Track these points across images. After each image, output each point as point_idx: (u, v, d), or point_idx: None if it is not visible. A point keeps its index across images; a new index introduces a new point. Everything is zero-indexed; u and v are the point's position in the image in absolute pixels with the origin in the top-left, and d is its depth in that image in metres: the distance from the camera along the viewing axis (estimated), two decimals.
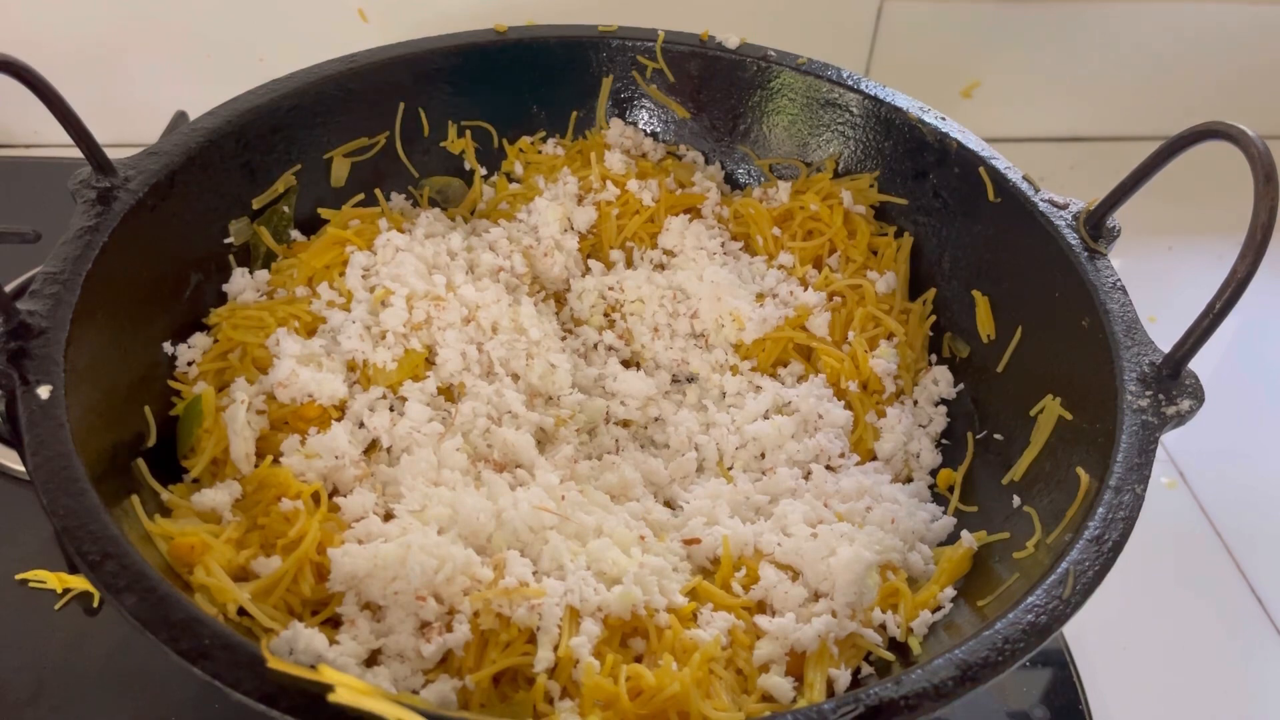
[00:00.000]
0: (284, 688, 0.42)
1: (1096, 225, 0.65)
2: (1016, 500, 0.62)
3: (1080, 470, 0.56)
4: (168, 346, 0.66)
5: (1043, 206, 0.68)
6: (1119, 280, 0.63)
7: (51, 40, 1.07)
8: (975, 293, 0.73)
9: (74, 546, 0.46)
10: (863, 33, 1.18)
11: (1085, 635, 0.75)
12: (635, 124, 0.87)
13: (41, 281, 0.56)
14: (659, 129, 0.87)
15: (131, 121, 1.05)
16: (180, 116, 0.92)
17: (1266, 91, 1.27)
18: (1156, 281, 1.00)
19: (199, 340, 0.68)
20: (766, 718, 0.45)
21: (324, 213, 0.78)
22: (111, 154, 0.63)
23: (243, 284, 0.71)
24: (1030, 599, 0.48)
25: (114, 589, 0.44)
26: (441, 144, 0.84)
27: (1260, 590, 0.82)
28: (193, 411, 0.63)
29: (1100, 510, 0.52)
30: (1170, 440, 0.88)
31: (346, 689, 0.41)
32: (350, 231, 0.75)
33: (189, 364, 0.66)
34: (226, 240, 0.72)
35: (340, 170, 0.79)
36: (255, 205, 0.73)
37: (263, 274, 0.73)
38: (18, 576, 0.70)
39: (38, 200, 1.00)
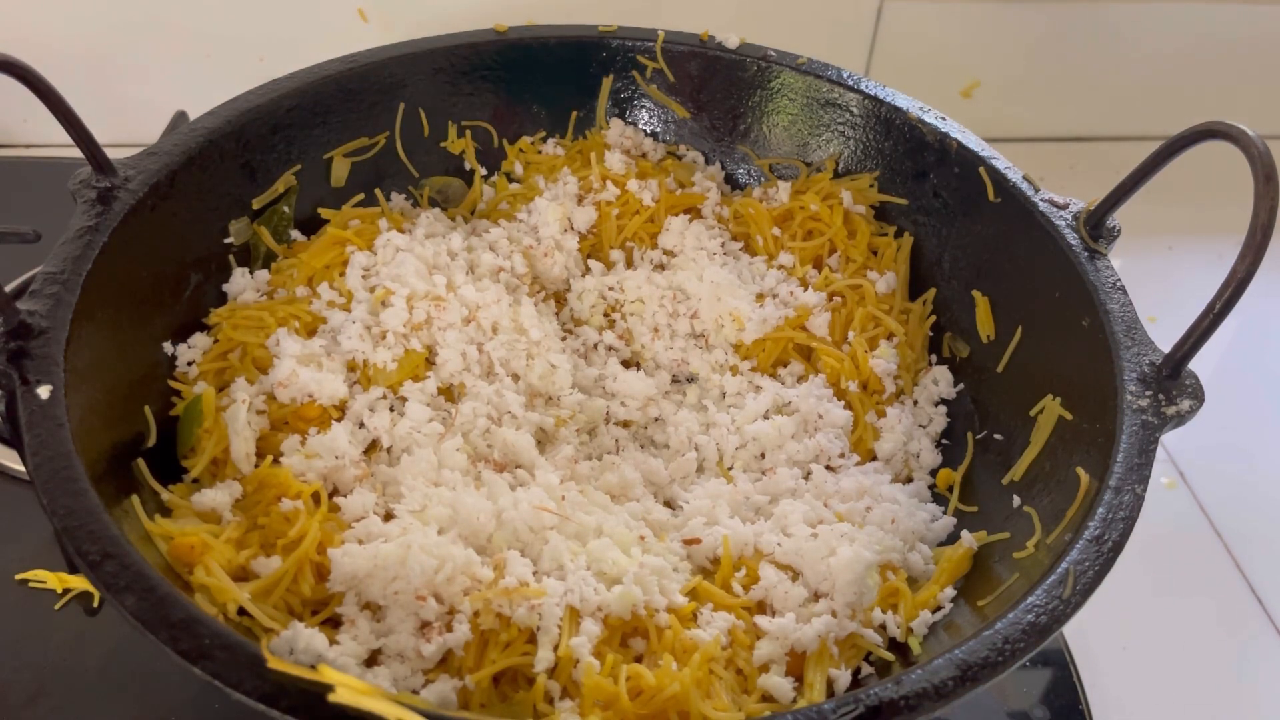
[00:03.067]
0: (284, 688, 0.42)
1: (1096, 225, 0.65)
2: (1016, 500, 0.62)
3: (1080, 470, 0.56)
4: (168, 346, 0.66)
5: (1043, 206, 0.68)
6: (1119, 280, 0.62)
7: (51, 40, 1.07)
8: (975, 293, 0.73)
9: (74, 546, 0.46)
10: (863, 33, 1.18)
11: (1085, 635, 0.75)
12: (635, 124, 0.87)
13: (41, 281, 0.56)
14: (659, 129, 0.87)
15: (131, 121, 1.05)
16: (180, 116, 0.92)
17: (1266, 91, 1.27)
18: (1156, 281, 1.00)
19: (199, 340, 0.68)
20: (766, 718, 0.45)
21: (324, 213, 0.78)
22: (111, 154, 0.63)
23: (243, 284, 0.71)
24: (1030, 599, 0.48)
25: (114, 589, 0.44)
26: (441, 144, 0.83)
27: (1260, 590, 0.82)
28: (193, 411, 0.63)
29: (1100, 510, 0.52)
30: (1170, 440, 0.88)
31: (346, 689, 0.41)
32: (350, 231, 0.75)
33: (189, 364, 0.66)
34: (226, 240, 0.72)
35: (340, 170, 0.79)
36: (255, 205, 0.73)
37: (263, 274, 0.73)
38: (18, 576, 0.70)
39: (38, 200, 0.99)
